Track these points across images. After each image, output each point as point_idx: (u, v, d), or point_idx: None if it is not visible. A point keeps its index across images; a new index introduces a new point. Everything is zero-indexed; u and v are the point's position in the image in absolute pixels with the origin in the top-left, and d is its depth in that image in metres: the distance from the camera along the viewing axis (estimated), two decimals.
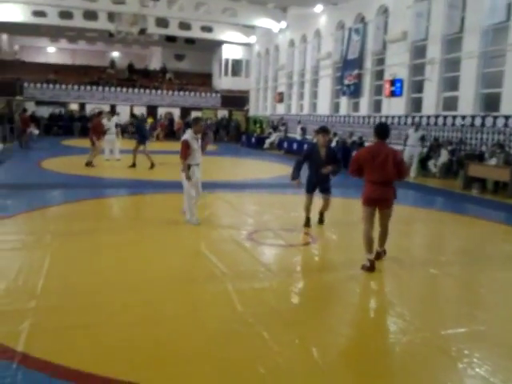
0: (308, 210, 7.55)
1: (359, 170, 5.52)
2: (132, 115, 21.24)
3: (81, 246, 6.18)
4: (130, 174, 13.67)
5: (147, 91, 33.72)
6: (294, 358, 3.44)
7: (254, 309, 4.29)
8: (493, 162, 11.58)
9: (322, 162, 7.27)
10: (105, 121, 16.06)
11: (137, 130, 15.50)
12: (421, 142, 14.38)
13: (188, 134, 7.39)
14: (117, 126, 17.14)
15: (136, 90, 33.55)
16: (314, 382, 3.15)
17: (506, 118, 13.13)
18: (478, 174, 11.88)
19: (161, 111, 33.29)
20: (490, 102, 13.99)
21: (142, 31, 28.05)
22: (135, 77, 35.50)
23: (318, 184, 7.52)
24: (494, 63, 13.97)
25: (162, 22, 29.75)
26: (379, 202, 5.49)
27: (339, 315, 4.42)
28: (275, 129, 27.07)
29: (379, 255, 5.73)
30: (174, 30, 30.56)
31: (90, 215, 8.26)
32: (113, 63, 37.99)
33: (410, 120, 17.23)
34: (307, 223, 7.55)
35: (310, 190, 7.56)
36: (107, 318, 4.02)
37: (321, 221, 7.70)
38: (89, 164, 14.43)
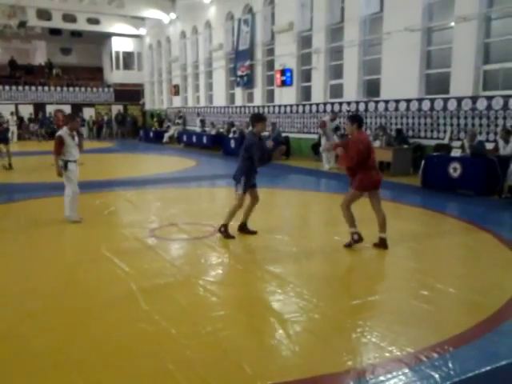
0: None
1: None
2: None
3: None
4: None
5: (33, 88, 31.63)
6: (201, 350, 3.54)
7: (159, 306, 4.34)
8: (377, 144, 12.50)
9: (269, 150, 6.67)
10: None
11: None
12: (334, 132, 14.50)
13: (63, 131, 7.56)
14: None
15: (20, 88, 31.32)
16: (224, 373, 3.25)
17: (386, 102, 14.23)
18: None
19: (50, 109, 31.43)
20: (372, 88, 15.04)
21: (22, 24, 26.16)
22: (18, 73, 33.05)
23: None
24: (372, 51, 15.00)
25: (44, 14, 27.99)
26: (378, 184, 6.06)
27: (244, 303, 4.61)
28: (172, 122, 26.85)
29: (383, 241, 6.12)
30: (57, 23, 28.90)
31: None
32: None
33: (301, 108, 18.00)
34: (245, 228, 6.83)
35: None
36: (8, 329, 3.87)
37: (245, 229, 6.83)
38: None
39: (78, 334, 3.81)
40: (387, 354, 3.45)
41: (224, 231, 6.59)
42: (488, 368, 3.24)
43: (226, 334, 3.78)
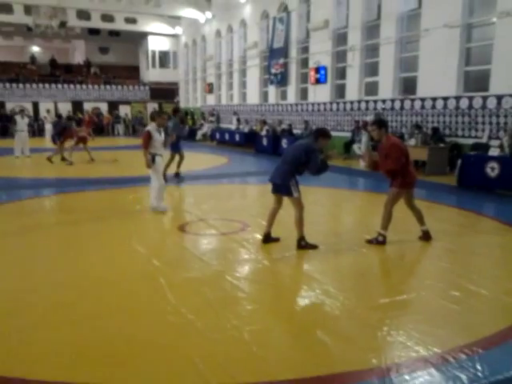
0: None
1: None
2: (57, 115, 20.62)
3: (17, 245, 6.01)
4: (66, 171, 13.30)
5: (71, 86, 32.55)
6: (228, 345, 3.55)
7: (187, 299, 4.39)
8: (412, 142, 12.27)
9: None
10: (18, 118, 16.44)
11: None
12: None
13: (151, 126, 8.03)
14: (29, 124, 17.53)
15: (59, 86, 32.29)
16: (249, 367, 3.24)
17: (422, 100, 13.93)
18: None
19: (87, 106, 32.24)
20: (408, 86, 14.76)
21: (63, 24, 26.97)
22: (58, 72, 34.06)
23: None
24: (409, 48, 14.72)
25: (83, 15, 28.76)
26: (416, 182, 6.21)
27: (271, 299, 4.60)
28: (205, 120, 27.10)
29: (427, 233, 6.31)
30: (96, 23, 29.67)
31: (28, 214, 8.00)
32: (33, 58, 36.19)
33: (335, 106, 17.84)
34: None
35: None
36: (40, 319, 3.99)
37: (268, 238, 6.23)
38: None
39: (106, 326, 3.88)
40: (413, 354, 3.39)
41: (305, 244, 5.93)
42: None
43: (252, 329, 3.78)
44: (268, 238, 6.19)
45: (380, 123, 6.14)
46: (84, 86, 32.94)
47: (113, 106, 32.92)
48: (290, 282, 5.05)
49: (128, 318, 4.03)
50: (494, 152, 10.01)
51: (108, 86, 33.68)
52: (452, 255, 5.97)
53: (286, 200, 6.09)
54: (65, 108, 31.36)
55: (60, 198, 10.03)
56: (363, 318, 4.03)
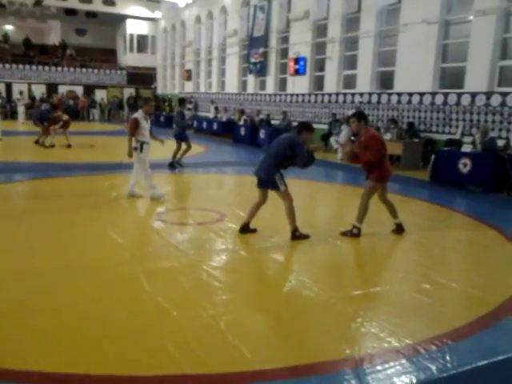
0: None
1: None
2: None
3: None
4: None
5: (46, 68, 31.76)
6: (203, 334, 3.58)
7: (162, 288, 4.40)
8: (387, 136, 12.43)
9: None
10: None
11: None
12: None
13: (138, 113, 7.95)
14: (1, 106, 17.05)
15: (34, 67, 31.47)
16: (224, 356, 3.27)
17: (399, 94, 14.12)
18: None
19: (62, 89, 31.55)
20: (386, 80, 14.92)
21: (38, 3, 26.24)
22: (32, 53, 33.13)
23: None
24: (388, 43, 14.86)
25: None
26: (390, 175, 6.31)
27: (248, 289, 4.64)
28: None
29: (400, 226, 6.42)
30: (73, 3, 29.01)
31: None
32: (6, 37, 35.12)
33: (313, 98, 17.91)
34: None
35: None
36: (14, 308, 3.94)
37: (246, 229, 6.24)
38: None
39: (79, 312, 3.87)
40: (385, 345, 3.48)
41: (299, 235, 5.99)
42: (485, 362, 3.26)
43: (227, 319, 3.82)
44: (246, 229, 6.20)
45: (360, 115, 6.24)
46: (59, 69, 32.17)
47: (89, 89, 32.30)
48: (266, 273, 5.11)
49: (103, 306, 4.01)
50: (466, 148, 10.25)
51: (84, 69, 33.00)
52: (423, 249, 6.13)
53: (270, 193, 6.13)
54: (39, 90, 30.65)
55: (33, 184, 9.84)
56: (338, 309, 4.11)
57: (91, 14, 32.92)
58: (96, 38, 37.00)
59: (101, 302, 4.08)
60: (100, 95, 32.62)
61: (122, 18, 32.82)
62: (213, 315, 3.86)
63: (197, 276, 4.75)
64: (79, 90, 32.23)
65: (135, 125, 7.79)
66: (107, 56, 35.80)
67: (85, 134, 20.04)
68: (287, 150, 5.77)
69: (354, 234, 6.24)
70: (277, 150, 5.89)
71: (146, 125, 7.94)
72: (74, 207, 7.48)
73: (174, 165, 11.57)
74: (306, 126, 5.98)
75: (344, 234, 6.30)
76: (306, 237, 6.04)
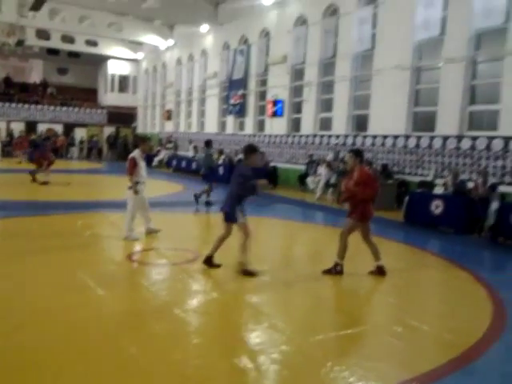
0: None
1: None
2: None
3: None
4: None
5: (26, 106, 31.72)
6: (168, 378, 3.52)
7: (130, 332, 4.30)
8: None
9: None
10: None
11: None
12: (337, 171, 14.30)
13: (136, 152, 7.96)
14: None
15: (13, 105, 31.42)
16: None
17: (374, 137, 14.46)
18: None
19: (42, 127, 31.46)
20: (360, 123, 15.29)
21: (20, 42, 26.41)
22: (13, 91, 33.19)
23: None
24: (362, 87, 15.32)
25: (43, 34, 28.32)
26: (372, 216, 6.28)
27: (218, 333, 4.56)
28: (163, 146, 27.03)
29: (381, 268, 6.36)
30: (56, 43, 29.26)
31: None
32: None
33: (290, 139, 18.22)
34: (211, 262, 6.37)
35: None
36: None
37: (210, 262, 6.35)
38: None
39: (44, 358, 3.74)
40: None
41: (245, 271, 6.04)
42: None
43: (196, 363, 3.75)
44: (209, 262, 6.29)
45: (357, 152, 6.37)
46: (39, 106, 32.18)
47: (69, 127, 32.31)
48: (238, 316, 5.04)
49: (65, 350, 3.89)
50: (438, 190, 10.47)
51: (64, 108, 33.06)
52: (398, 291, 6.15)
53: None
54: (18, 128, 30.50)
55: (2, 224, 9.65)
56: (309, 353, 4.06)
57: (73, 54, 33.29)
58: (78, 77, 37.29)
59: (63, 348, 3.95)
60: (80, 133, 32.62)
61: (104, 59, 33.24)
62: (181, 360, 3.79)
63: (167, 319, 4.66)
64: (59, 128, 32.18)
65: (133, 164, 7.80)
66: (88, 95, 36.01)
67: (62, 171, 19.90)
68: (241, 180, 6.05)
69: (337, 271, 6.27)
70: (235, 182, 6.14)
71: (143, 164, 7.98)
72: (43, 248, 7.29)
73: (210, 203, 12.36)
74: (250, 149, 6.25)
75: (328, 271, 6.29)
76: (252, 274, 6.05)
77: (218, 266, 6.33)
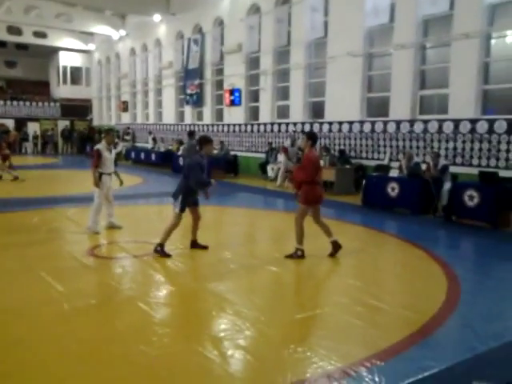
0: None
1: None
2: None
3: None
4: None
5: None
6: (131, 370, 3.53)
7: (92, 326, 4.28)
8: (321, 163, 12.80)
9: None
10: None
11: None
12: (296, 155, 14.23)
13: (101, 144, 7.99)
14: None
15: None
16: None
17: (330, 123, 14.68)
18: None
19: None
20: (317, 110, 15.48)
21: None
22: None
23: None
24: (317, 74, 15.48)
25: None
26: (321, 199, 6.48)
27: (181, 323, 4.60)
28: (120, 138, 26.49)
29: (336, 243, 6.60)
30: (2, 35, 28.10)
31: None
32: None
33: (249, 128, 18.25)
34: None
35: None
36: None
37: (196, 244, 6.94)
38: None
39: (3, 358, 3.68)
40: (318, 370, 3.54)
41: (160, 250, 6.51)
42: (411, 380, 3.38)
43: (159, 354, 3.76)
44: (195, 244, 6.89)
45: (309, 134, 6.59)
46: None
47: (20, 122, 31.21)
48: (202, 305, 5.07)
49: (26, 348, 3.83)
50: (394, 173, 10.77)
51: (15, 102, 31.90)
52: (357, 271, 6.34)
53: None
54: None
55: None
56: (271, 336, 4.15)
57: (22, 46, 32.11)
58: (27, 70, 35.94)
59: (23, 345, 3.89)
60: (33, 128, 31.57)
61: (55, 50, 32.20)
62: (144, 352, 3.78)
63: (129, 312, 4.64)
64: (10, 123, 31.05)
65: (97, 155, 7.83)
66: (40, 88, 34.82)
67: (17, 167, 19.25)
68: (187, 171, 6.41)
69: (298, 255, 6.44)
70: (184, 173, 6.49)
71: (109, 156, 7.99)
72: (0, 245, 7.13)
73: None
74: (205, 140, 6.56)
75: (289, 256, 6.46)
76: (165, 255, 6.44)
77: (205, 247, 6.87)
